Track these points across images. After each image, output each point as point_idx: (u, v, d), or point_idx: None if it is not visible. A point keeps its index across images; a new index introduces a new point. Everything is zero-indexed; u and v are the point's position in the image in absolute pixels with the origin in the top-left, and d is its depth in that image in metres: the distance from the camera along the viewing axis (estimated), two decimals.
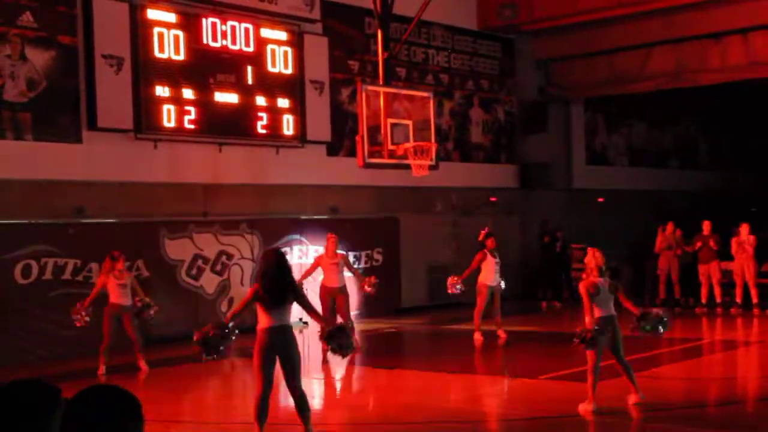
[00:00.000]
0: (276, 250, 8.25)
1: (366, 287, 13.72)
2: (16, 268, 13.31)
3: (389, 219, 18.82)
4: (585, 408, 8.85)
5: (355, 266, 17.87)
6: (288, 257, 8.12)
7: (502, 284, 14.58)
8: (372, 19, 17.20)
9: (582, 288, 8.93)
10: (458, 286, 14.34)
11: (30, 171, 13.58)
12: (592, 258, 8.94)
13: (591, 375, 8.84)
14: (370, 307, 17.38)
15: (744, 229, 17.50)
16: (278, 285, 7.67)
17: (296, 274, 9.51)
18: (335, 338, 7.77)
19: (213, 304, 15.73)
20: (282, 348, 7.66)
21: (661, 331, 9.15)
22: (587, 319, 8.89)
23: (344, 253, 14.51)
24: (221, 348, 7.79)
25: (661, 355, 12.60)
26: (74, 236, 13.97)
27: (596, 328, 8.71)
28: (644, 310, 9.37)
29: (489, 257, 14.35)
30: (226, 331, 7.75)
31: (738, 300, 17.63)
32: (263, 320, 7.69)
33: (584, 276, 9.03)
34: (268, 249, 8.60)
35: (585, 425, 8.76)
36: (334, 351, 7.78)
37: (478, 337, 14.25)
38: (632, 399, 9.02)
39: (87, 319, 11.91)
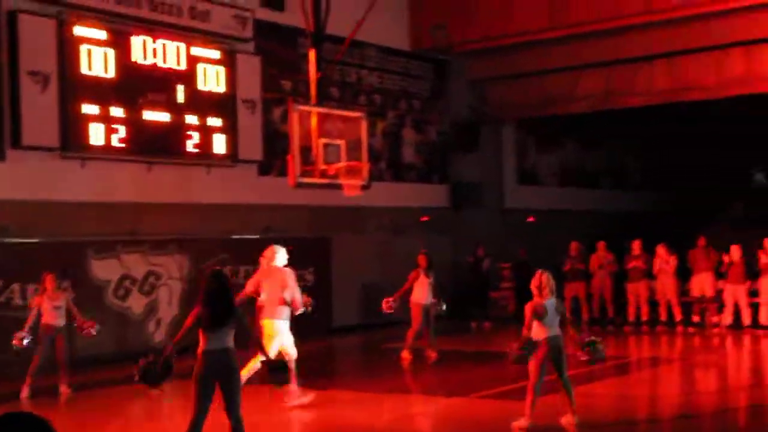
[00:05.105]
0: (217, 270, 7.99)
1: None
2: None
3: (321, 239, 18.72)
4: (520, 425, 8.87)
5: None
6: (228, 278, 7.96)
7: (444, 306, 14.72)
8: (305, 38, 17.14)
9: (528, 308, 8.97)
10: (392, 304, 14.39)
11: None
12: (547, 280, 8.99)
13: (531, 392, 8.86)
14: (301, 327, 17.19)
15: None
16: (219, 307, 7.53)
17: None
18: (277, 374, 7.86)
19: (141, 324, 15.43)
20: (221, 373, 7.48)
21: (603, 357, 9.94)
22: (522, 335, 8.97)
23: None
24: (161, 382, 7.86)
25: (592, 372, 12.72)
26: None
27: (523, 347, 8.84)
28: (589, 338, 9.68)
29: (422, 276, 14.42)
30: (169, 364, 7.75)
31: (662, 318, 18.07)
32: (203, 343, 7.53)
33: (535, 296, 9.03)
34: (209, 270, 8.27)
35: None
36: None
37: (405, 355, 14.26)
38: (566, 419, 9.02)
39: (27, 342, 11.61)
